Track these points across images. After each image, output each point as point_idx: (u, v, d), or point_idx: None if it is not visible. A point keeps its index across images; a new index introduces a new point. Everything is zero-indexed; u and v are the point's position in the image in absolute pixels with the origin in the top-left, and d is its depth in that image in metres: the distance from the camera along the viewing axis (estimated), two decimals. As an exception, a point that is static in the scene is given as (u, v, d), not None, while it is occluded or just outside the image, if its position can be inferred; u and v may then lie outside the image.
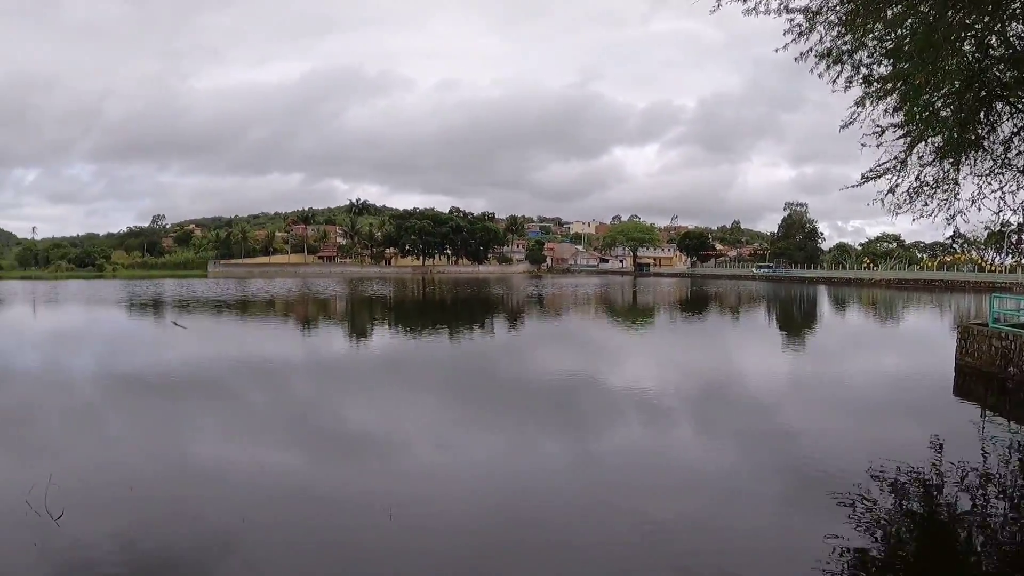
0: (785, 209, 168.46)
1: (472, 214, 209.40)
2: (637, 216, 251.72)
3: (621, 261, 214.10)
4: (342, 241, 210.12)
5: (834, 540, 8.17)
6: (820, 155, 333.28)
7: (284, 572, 7.66)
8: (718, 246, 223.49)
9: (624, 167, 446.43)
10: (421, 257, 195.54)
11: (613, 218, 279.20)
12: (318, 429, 14.03)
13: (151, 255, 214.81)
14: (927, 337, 33.79)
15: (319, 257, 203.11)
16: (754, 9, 15.10)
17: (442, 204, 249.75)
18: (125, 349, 28.15)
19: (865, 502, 9.43)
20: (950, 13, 12.81)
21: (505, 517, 9.21)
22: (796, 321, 43.14)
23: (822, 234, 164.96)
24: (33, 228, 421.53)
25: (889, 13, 13.79)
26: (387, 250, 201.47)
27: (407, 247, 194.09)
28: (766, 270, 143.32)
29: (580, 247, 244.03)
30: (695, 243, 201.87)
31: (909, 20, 13.82)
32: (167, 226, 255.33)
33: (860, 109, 16.19)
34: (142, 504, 9.35)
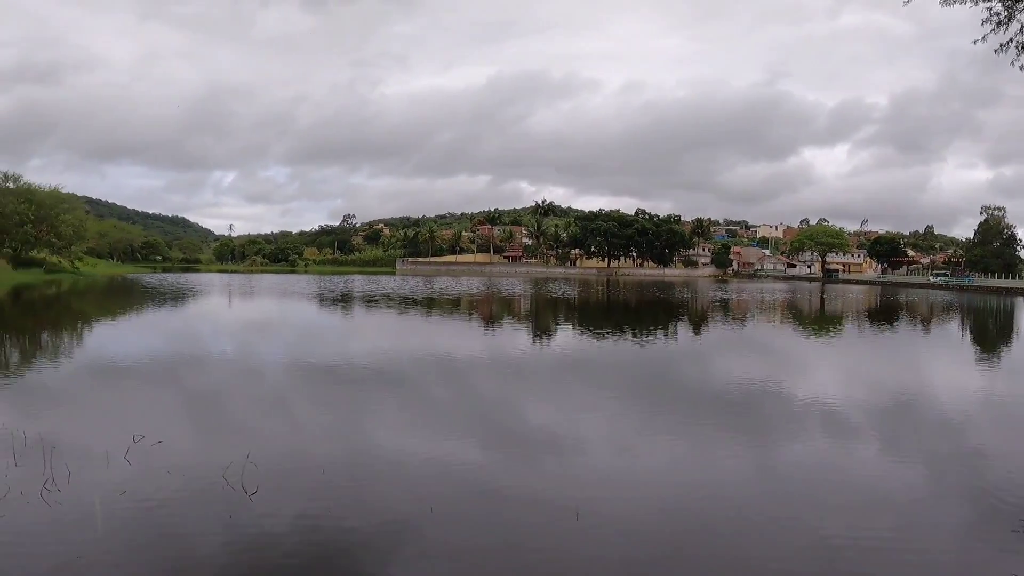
0: (982, 213, 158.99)
1: (657, 216, 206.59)
2: (826, 220, 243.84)
3: (809, 266, 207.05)
4: (527, 241, 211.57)
5: (1019, 578, 7.52)
6: (1021, 154, 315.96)
7: (469, 567, 7.64)
8: (910, 252, 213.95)
9: (813, 168, 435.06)
10: (606, 259, 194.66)
11: (801, 222, 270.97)
12: (500, 425, 14.11)
13: (341, 252, 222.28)
14: None
15: (504, 257, 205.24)
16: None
17: (627, 206, 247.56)
18: (315, 338, 29.42)
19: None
20: None
21: (683, 524, 8.99)
22: (992, 335, 40.53)
23: (1021, 241, 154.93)
24: (230, 225, 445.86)
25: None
26: (572, 251, 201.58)
27: (592, 248, 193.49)
28: (942, 278, 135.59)
29: (767, 251, 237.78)
30: (885, 249, 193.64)
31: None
32: (357, 225, 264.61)
33: (1067, 104, 14.99)
34: (331, 487, 9.70)
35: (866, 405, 16.96)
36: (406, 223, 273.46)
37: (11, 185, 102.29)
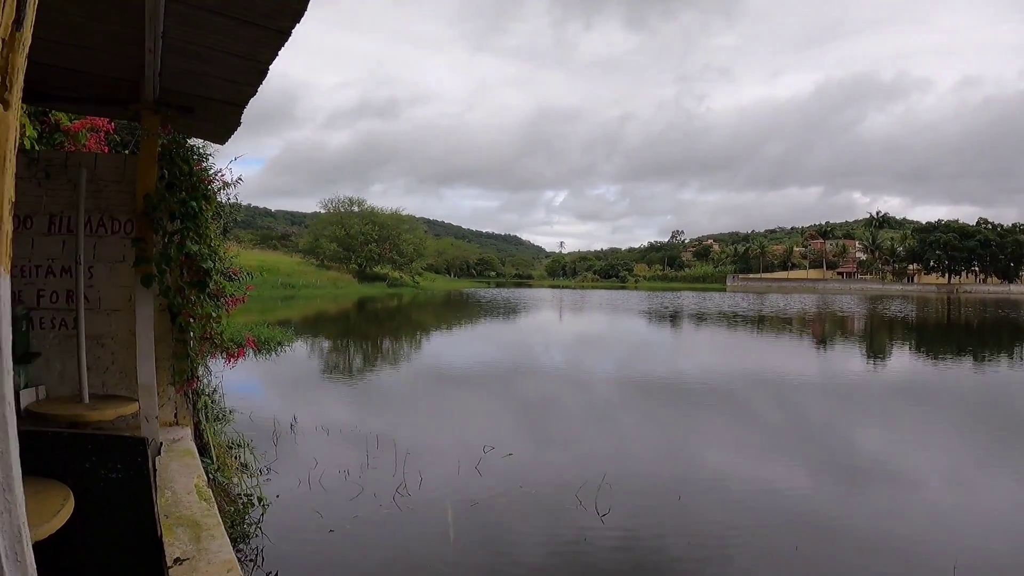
0: None
1: (1001, 226, 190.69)
2: None
3: None
4: (861, 256, 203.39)
5: None
6: None
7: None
8: None
9: None
10: (946, 274, 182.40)
11: None
12: (833, 454, 12.61)
13: (671, 268, 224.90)
14: None
15: (838, 273, 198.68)
16: None
17: (968, 215, 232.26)
18: (654, 355, 28.77)
19: None
20: None
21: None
22: None
23: None
24: (560, 243, 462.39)
25: None
26: (909, 266, 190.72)
27: (931, 263, 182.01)
28: None
29: None
30: None
31: None
32: (685, 241, 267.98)
33: None
34: (687, 516, 8.87)
35: None
36: (735, 238, 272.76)
37: (356, 209, 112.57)
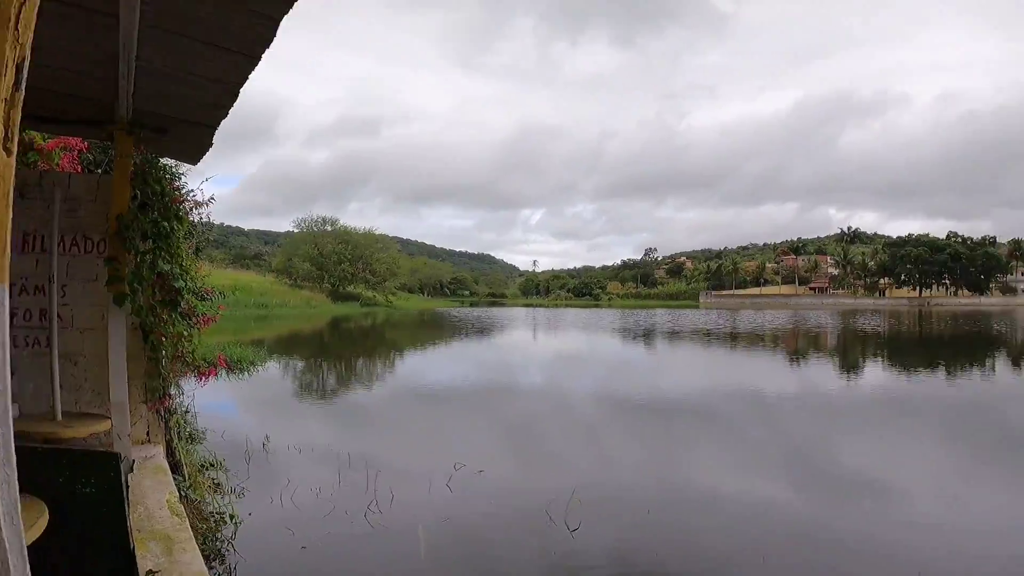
0: None
1: (971, 239, 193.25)
2: None
3: None
4: (833, 271, 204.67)
5: None
6: None
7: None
8: None
9: None
10: (917, 288, 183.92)
11: None
12: (817, 468, 12.73)
13: (644, 286, 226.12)
14: None
15: (810, 288, 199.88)
16: None
17: (943, 229, 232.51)
18: (623, 372, 28.74)
19: None
20: None
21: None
22: None
23: None
24: (534, 261, 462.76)
25: None
26: (881, 280, 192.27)
27: (902, 277, 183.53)
28: None
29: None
30: None
31: None
32: (659, 259, 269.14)
33: None
34: (656, 528, 8.97)
35: None
36: (708, 256, 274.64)
37: (329, 228, 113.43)
